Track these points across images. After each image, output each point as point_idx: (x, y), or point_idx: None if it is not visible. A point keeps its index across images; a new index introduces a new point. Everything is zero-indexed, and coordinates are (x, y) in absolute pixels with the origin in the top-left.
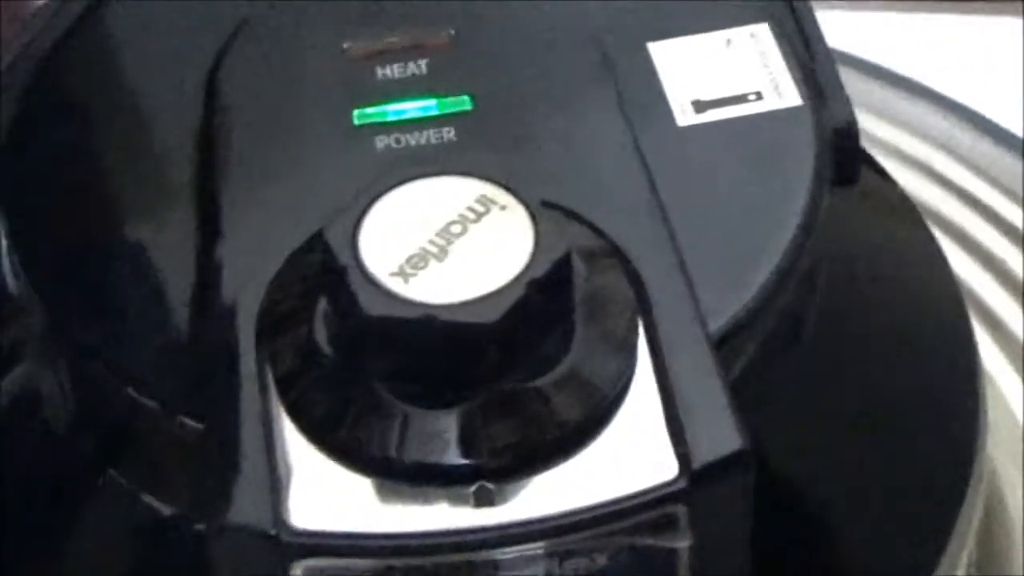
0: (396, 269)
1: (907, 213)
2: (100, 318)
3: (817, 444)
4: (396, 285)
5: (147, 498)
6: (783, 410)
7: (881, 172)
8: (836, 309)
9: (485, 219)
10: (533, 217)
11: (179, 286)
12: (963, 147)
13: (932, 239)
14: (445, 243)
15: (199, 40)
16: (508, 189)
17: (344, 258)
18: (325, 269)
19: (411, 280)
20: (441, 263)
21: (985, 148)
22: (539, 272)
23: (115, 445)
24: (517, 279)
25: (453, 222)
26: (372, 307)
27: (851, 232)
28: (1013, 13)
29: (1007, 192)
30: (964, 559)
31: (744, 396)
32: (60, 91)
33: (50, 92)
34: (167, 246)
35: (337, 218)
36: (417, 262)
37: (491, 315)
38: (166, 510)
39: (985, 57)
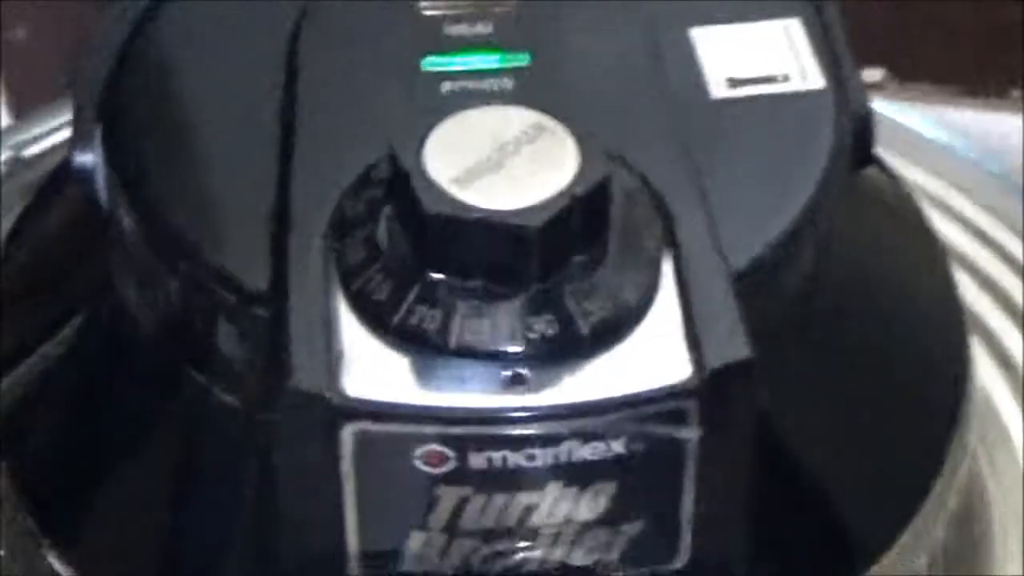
0: (455, 176)
1: (910, 209)
2: (187, 223)
3: (811, 389)
4: (454, 189)
5: (219, 392)
6: (782, 348)
7: (891, 174)
8: (841, 277)
9: (537, 142)
10: (579, 144)
11: (260, 197)
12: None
13: (930, 231)
14: (500, 159)
15: (288, 7)
16: (558, 119)
17: (409, 164)
18: (392, 174)
19: (468, 187)
20: (496, 175)
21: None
22: (581, 188)
23: (194, 343)
24: (562, 192)
25: (508, 142)
26: (432, 206)
27: (860, 218)
28: (1013, 111)
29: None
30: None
31: (757, 329)
32: (156, 49)
33: (146, 50)
34: (251, 164)
35: (405, 134)
36: (474, 172)
37: (537, 220)
38: (236, 402)
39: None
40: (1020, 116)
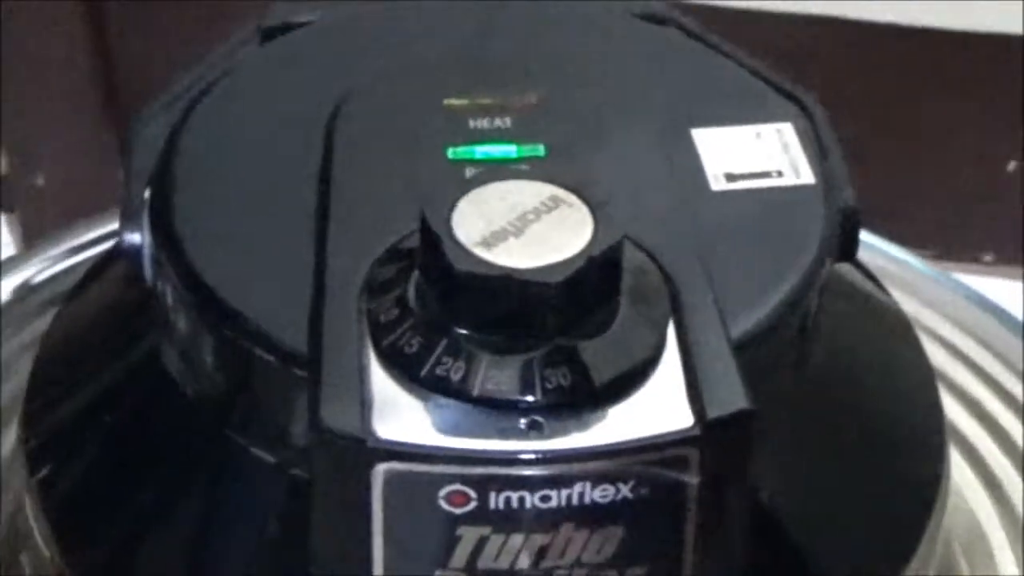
0: (480, 240)
1: (893, 310)
2: (229, 291)
3: (796, 455)
4: (480, 251)
5: (257, 450)
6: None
7: (878, 283)
8: (828, 357)
9: (555, 212)
10: (594, 213)
11: (298, 268)
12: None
13: (911, 329)
14: (522, 225)
15: (326, 96)
16: (575, 192)
17: (439, 228)
18: (423, 238)
19: (492, 249)
20: (518, 239)
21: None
22: (596, 251)
23: (233, 406)
24: (578, 255)
25: (529, 211)
26: (460, 264)
27: (847, 308)
28: (1014, 277)
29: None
30: None
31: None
32: (200, 134)
33: (191, 135)
34: (289, 238)
35: (435, 204)
36: (498, 237)
37: (556, 277)
38: (274, 460)
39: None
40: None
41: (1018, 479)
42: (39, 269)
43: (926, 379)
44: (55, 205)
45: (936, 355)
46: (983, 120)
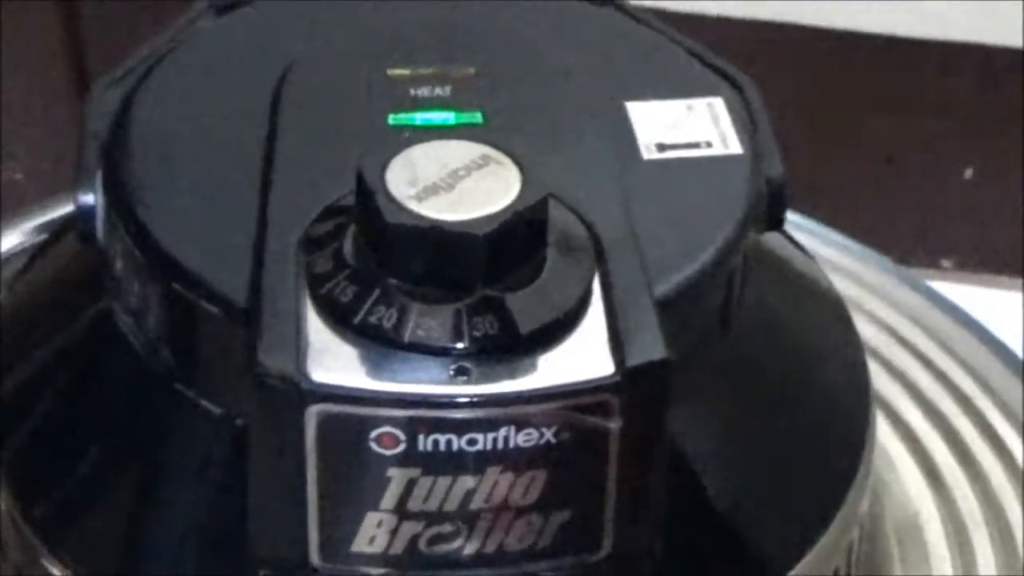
0: (412, 194)
1: (820, 275)
2: (175, 247)
3: (722, 408)
4: (412, 204)
5: (204, 402)
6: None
7: (811, 258)
8: (754, 319)
9: (485, 169)
10: (522, 171)
11: (241, 225)
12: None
13: (836, 294)
14: (453, 181)
15: (274, 65)
16: (504, 151)
17: (373, 182)
18: (358, 192)
19: (424, 202)
20: (448, 194)
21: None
22: (522, 206)
23: (180, 358)
24: (505, 209)
25: (460, 168)
26: (392, 216)
27: (773, 274)
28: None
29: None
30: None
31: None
32: (151, 101)
33: (142, 102)
34: (234, 198)
35: (370, 161)
36: (430, 191)
37: (483, 229)
38: (219, 410)
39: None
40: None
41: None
42: (12, 244)
43: (853, 344)
44: (35, 200)
45: (866, 331)
46: (940, 128)
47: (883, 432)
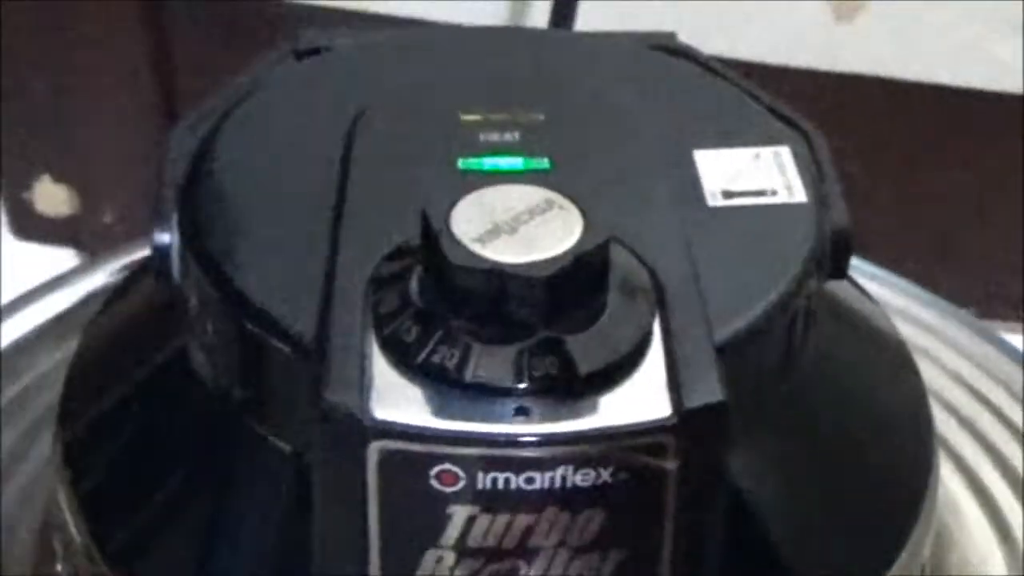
0: (476, 236)
1: (887, 326)
2: (248, 287)
3: (781, 455)
4: (476, 247)
5: (272, 438)
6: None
7: (876, 305)
8: (817, 367)
9: (549, 213)
10: (584, 216)
11: (311, 266)
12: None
13: (904, 347)
14: (516, 224)
15: (348, 109)
16: (567, 196)
17: (437, 225)
18: (424, 234)
19: (487, 245)
20: (511, 237)
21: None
22: (582, 249)
23: (250, 394)
24: (566, 252)
25: (523, 212)
26: (455, 258)
27: (838, 323)
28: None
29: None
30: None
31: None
32: (226, 144)
33: (218, 145)
34: (304, 239)
35: (436, 204)
36: (493, 234)
37: (543, 272)
38: (287, 446)
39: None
40: None
41: (1018, 506)
42: (105, 279)
43: (917, 392)
44: (123, 241)
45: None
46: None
47: (950, 480)
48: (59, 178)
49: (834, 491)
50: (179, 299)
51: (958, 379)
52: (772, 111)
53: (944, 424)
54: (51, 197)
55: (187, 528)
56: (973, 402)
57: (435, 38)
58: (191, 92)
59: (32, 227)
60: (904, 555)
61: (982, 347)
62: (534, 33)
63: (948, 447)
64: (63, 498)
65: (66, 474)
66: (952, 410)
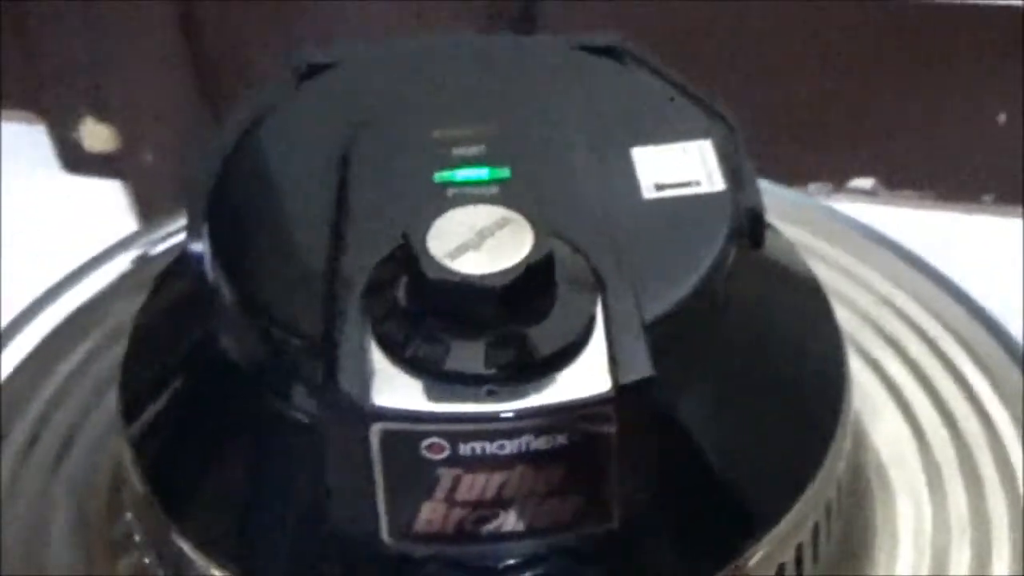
0: (448, 252)
1: (800, 263)
2: (266, 292)
3: (716, 401)
4: (447, 261)
5: (289, 411)
6: (690, 371)
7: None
8: (740, 322)
9: (506, 228)
10: (534, 229)
11: (318, 272)
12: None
13: (817, 283)
14: (480, 240)
15: (343, 130)
16: (520, 212)
17: (416, 245)
18: (405, 253)
19: (456, 260)
20: (476, 252)
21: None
22: (532, 259)
23: (272, 376)
24: (519, 264)
25: (485, 228)
26: (431, 272)
27: (758, 277)
28: (1015, 215)
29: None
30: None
31: (662, 358)
32: (246, 163)
33: (240, 164)
34: (311, 247)
35: (415, 225)
36: (461, 249)
37: (500, 281)
38: (302, 418)
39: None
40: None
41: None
42: (154, 242)
43: (829, 324)
44: (163, 179)
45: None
46: (977, 78)
47: (872, 388)
48: (101, 118)
49: (760, 419)
50: (212, 295)
51: (880, 297)
52: (701, 104)
53: (867, 339)
54: (96, 136)
55: (226, 485)
56: (894, 318)
57: (413, 49)
58: (220, 39)
59: (80, 162)
60: (824, 466)
61: (903, 268)
62: (488, 42)
63: (870, 358)
64: (126, 455)
65: (128, 437)
66: (875, 326)
